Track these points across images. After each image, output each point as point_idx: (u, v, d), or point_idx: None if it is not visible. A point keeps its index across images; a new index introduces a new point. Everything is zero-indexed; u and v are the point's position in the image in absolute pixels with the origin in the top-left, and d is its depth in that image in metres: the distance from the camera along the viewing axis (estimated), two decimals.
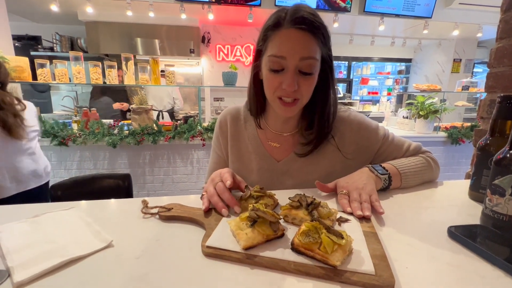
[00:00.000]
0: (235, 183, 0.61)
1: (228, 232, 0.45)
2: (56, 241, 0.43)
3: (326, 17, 3.57)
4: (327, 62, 0.67)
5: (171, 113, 4.00)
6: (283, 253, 0.40)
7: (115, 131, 2.38)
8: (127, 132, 2.38)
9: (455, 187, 0.74)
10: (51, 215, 0.52)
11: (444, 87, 4.89)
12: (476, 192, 0.63)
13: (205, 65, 4.51)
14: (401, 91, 5.79)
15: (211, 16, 3.24)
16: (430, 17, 3.50)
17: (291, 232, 0.45)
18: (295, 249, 0.40)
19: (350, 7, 3.35)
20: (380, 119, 3.86)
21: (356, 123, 0.74)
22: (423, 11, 3.45)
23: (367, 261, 0.38)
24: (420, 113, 2.84)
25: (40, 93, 4.30)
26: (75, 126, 2.44)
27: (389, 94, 5.89)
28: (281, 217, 0.49)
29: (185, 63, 4.62)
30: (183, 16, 3.17)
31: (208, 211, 0.54)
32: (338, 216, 0.50)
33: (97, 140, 2.29)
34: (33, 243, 0.42)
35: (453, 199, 0.66)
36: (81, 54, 2.42)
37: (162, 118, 3.86)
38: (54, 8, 2.92)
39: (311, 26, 0.60)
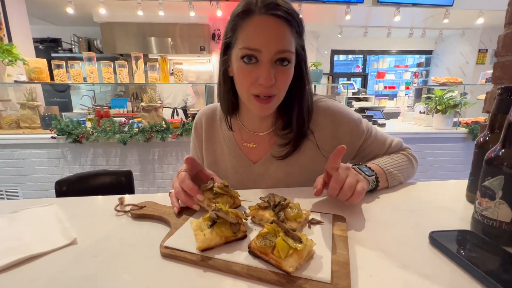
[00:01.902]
0: (204, 175, 0.59)
1: (191, 232, 0.44)
2: (21, 238, 0.44)
3: (337, 9, 3.46)
4: (300, 55, 0.62)
5: (185, 110, 4.07)
6: (238, 256, 0.38)
7: (126, 129, 2.45)
8: (136, 129, 2.44)
9: (453, 187, 0.68)
10: (28, 211, 0.53)
11: (468, 80, 4.60)
12: (474, 194, 0.57)
13: (215, 62, 4.53)
14: (421, 84, 5.50)
15: (219, 13, 3.23)
16: (451, 5, 3.28)
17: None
18: (252, 252, 0.38)
19: None
20: (395, 115, 3.69)
21: (338, 115, 0.68)
22: None
23: (325, 268, 0.35)
24: (438, 107, 2.68)
25: (60, 93, 4.53)
26: (88, 124, 2.54)
27: (407, 88, 5.61)
28: (248, 218, 0.47)
29: (196, 61, 4.67)
30: (192, 13, 3.19)
31: (180, 211, 0.52)
32: (310, 218, 0.48)
33: (109, 138, 2.37)
34: (0, 239, 0.43)
35: (448, 200, 0.60)
36: (93, 54, 2.51)
37: (177, 115, 3.93)
38: (70, 10, 3.04)
39: (286, 14, 0.55)
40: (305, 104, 0.66)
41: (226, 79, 0.65)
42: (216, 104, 0.78)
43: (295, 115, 0.65)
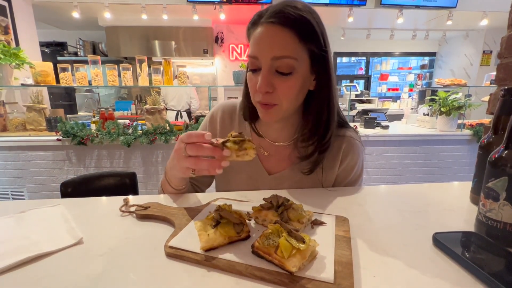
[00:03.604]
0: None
1: (195, 233, 0.44)
2: (29, 237, 0.44)
3: (340, 12, 3.47)
4: (318, 62, 0.57)
5: (189, 113, 4.09)
6: (242, 256, 0.38)
7: (130, 131, 2.47)
8: (140, 132, 2.46)
9: (457, 189, 0.68)
10: (36, 211, 0.54)
11: (472, 82, 4.57)
12: (478, 195, 0.57)
13: (218, 65, 4.56)
14: (425, 86, 5.48)
15: (222, 16, 3.26)
16: (455, 7, 3.27)
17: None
18: (255, 252, 0.38)
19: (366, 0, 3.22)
20: (399, 117, 3.68)
21: (356, 159, 0.69)
22: (446, 0, 3.23)
23: (328, 268, 0.35)
24: (442, 109, 2.67)
25: (66, 95, 4.59)
26: (93, 127, 2.57)
27: (410, 90, 5.59)
28: (251, 218, 0.48)
29: (200, 64, 4.71)
30: (196, 17, 3.22)
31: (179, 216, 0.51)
32: (313, 219, 0.48)
33: (113, 140, 2.39)
34: (9, 238, 0.44)
35: (452, 202, 0.60)
36: (98, 58, 2.54)
37: (181, 117, 3.96)
38: (76, 15, 3.09)
39: (285, 19, 0.52)
40: (324, 117, 0.61)
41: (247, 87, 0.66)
42: (236, 101, 0.76)
43: (311, 127, 0.62)
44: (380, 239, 0.45)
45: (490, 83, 3.03)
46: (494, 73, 3.20)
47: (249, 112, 0.68)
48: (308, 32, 0.55)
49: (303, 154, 0.64)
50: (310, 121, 0.62)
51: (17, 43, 2.83)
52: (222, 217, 0.41)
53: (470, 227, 0.49)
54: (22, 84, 2.55)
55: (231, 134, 0.49)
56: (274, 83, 0.55)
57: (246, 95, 0.66)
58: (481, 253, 0.40)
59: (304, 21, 0.54)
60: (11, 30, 2.78)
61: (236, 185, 0.72)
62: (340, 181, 0.70)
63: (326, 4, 3.12)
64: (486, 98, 3.20)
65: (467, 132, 2.68)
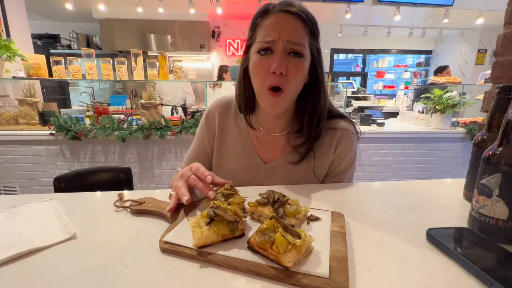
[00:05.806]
0: (215, 184, 0.56)
1: (189, 228, 0.44)
2: (21, 232, 0.44)
3: (338, 8, 3.46)
4: (315, 58, 0.64)
5: (184, 108, 4.06)
6: (238, 252, 0.38)
7: (124, 126, 2.44)
8: (135, 127, 2.44)
9: (451, 185, 0.69)
10: (28, 206, 0.53)
11: (467, 80, 4.62)
12: (471, 192, 0.58)
13: (215, 60, 4.52)
14: (420, 84, 5.52)
15: (219, 10, 3.22)
16: (451, 5, 3.29)
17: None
18: (251, 247, 0.38)
19: None
20: (394, 114, 3.70)
21: (348, 152, 0.70)
22: None
23: (323, 263, 0.35)
24: (437, 107, 2.69)
25: (59, 89, 4.51)
26: (87, 121, 2.53)
27: (406, 88, 5.63)
28: (246, 215, 0.47)
29: (196, 58, 4.66)
30: (192, 11, 3.18)
31: (175, 211, 0.51)
32: (309, 214, 0.48)
33: (107, 135, 2.37)
34: (0, 233, 0.43)
35: (446, 198, 0.61)
36: (92, 51, 2.49)
37: (177, 113, 3.92)
38: (69, 6, 3.02)
39: (299, 11, 0.59)
40: (319, 108, 0.66)
41: (245, 77, 0.68)
42: (231, 96, 0.78)
43: (307, 118, 0.66)
44: (375, 235, 0.45)
45: (485, 82, 3.07)
46: (489, 71, 3.23)
47: (246, 104, 0.71)
48: (315, 30, 0.62)
49: (296, 144, 0.69)
50: (306, 112, 0.67)
51: (8, 35, 2.76)
52: (217, 214, 0.41)
53: (463, 223, 0.49)
54: (14, 77, 2.50)
55: (224, 187, 0.52)
56: (287, 65, 0.59)
57: (245, 89, 0.69)
58: (473, 248, 0.41)
59: (313, 21, 0.62)
60: (1, 21, 2.71)
61: (233, 174, 0.74)
62: (333, 168, 0.72)
63: (324, 0, 3.10)
64: (480, 97, 3.24)
65: (461, 130, 2.72)
